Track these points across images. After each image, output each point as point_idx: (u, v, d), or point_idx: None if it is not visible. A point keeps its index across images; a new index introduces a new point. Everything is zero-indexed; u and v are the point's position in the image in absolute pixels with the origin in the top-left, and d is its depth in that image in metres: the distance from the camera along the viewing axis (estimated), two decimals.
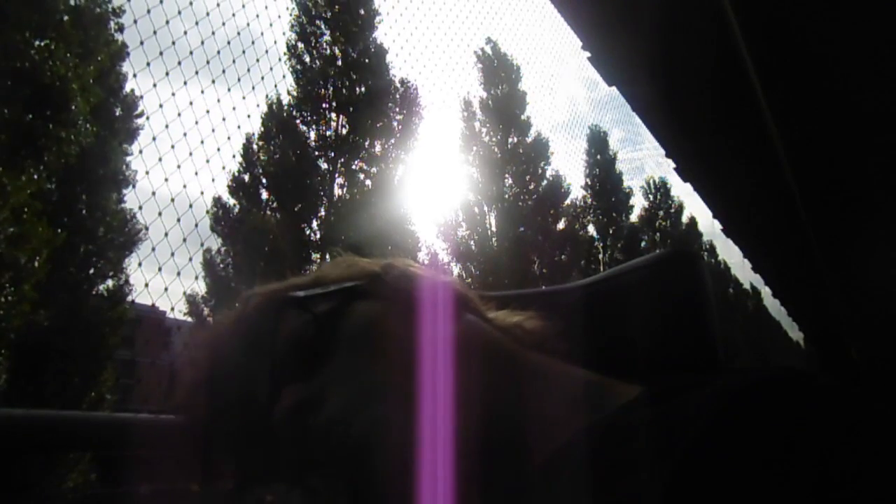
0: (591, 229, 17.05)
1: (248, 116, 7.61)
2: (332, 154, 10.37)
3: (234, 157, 9.93)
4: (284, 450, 0.45)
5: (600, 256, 16.92)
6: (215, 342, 0.51)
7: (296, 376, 0.45)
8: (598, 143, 18.08)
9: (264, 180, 10.15)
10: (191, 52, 4.72)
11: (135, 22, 4.34)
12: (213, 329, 0.52)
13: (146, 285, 4.61)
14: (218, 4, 5.04)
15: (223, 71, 5.07)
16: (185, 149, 4.89)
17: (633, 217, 18.96)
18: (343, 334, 0.46)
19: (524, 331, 0.51)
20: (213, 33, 4.88)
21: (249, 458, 0.48)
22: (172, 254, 4.48)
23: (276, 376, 0.45)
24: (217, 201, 10.03)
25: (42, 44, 7.21)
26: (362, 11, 10.89)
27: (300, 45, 10.49)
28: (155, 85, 4.74)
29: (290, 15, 10.50)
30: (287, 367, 0.45)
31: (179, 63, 4.60)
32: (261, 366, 0.46)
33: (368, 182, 10.49)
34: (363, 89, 10.55)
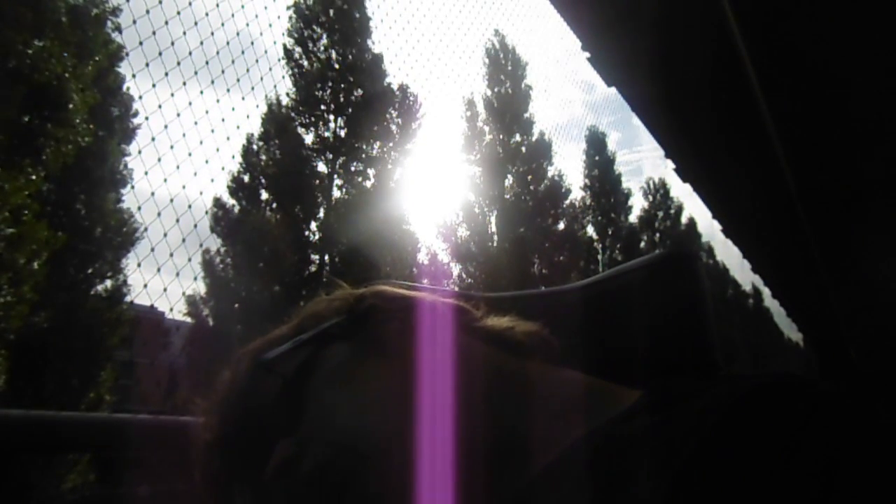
0: (591, 230, 17.07)
1: (248, 117, 7.62)
2: (331, 156, 10.37)
3: (233, 157, 9.94)
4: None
5: (599, 257, 16.93)
6: (217, 409, 0.53)
7: (282, 433, 0.47)
8: (596, 144, 18.10)
9: (264, 181, 10.15)
10: (190, 53, 4.72)
11: (133, 22, 4.34)
12: (215, 394, 0.54)
13: (145, 286, 4.60)
14: (217, 5, 5.04)
15: (222, 71, 5.07)
16: (185, 149, 4.88)
17: (633, 218, 18.99)
18: (312, 387, 0.48)
19: (516, 335, 0.50)
20: (213, 34, 4.88)
21: None
22: (171, 254, 4.47)
23: (259, 439, 0.47)
24: (217, 202, 10.04)
25: (40, 43, 7.20)
26: (358, 15, 10.90)
27: (297, 48, 10.49)
28: (154, 85, 4.73)
29: (289, 20, 10.52)
30: (273, 426, 0.47)
31: (178, 63, 4.60)
32: (248, 431, 0.49)
33: (367, 183, 10.49)
34: (361, 92, 10.55)
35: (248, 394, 0.50)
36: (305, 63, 10.50)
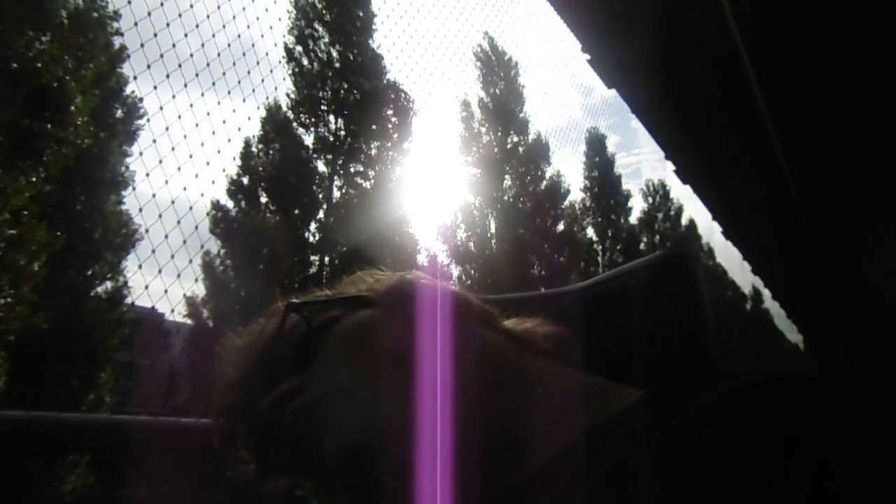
0: (590, 231, 17.07)
1: (249, 119, 7.62)
2: (330, 156, 10.37)
3: (234, 159, 9.93)
4: (272, 440, 0.50)
5: (599, 258, 16.92)
6: (243, 346, 0.57)
7: (289, 374, 0.50)
8: (596, 146, 18.10)
9: (263, 183, 10.15)
10: (191, 55, 4.72)
11: (135, 24, 4.34)
12: (243, 335, 0.58)
13: (146, 287, 4.59)
14: (218, 7, 5.05)
15: (223, 74, 5.07)
16: (186, 151, 4.88)
17: (632, 219, 18.99)
18: (331, 336, 0.51)
19: (536, 336, 0.52)
20: (214, 35, 4.88)
21: (257, 450, 0.54)
22: (172, 256, 4.47)
23: (269, 373, 0.51)
24: (216, 204, 10.04)
25: (40, 46, 7.21)
26: (360, 13, 10.91)
27: (298, 47, 10.50)
28: (155, 87, 4.73)
29: (289, 18, 10.53)
30: (285, 366, 0.51)
31: (180, 66, 4.60)
32: (262, 365, 0.53)
33: (366, 184, 10.48)
34: (361, 92, 10.55)
35: (275, 334, 0.53)
36: (306, 62, 10.50)
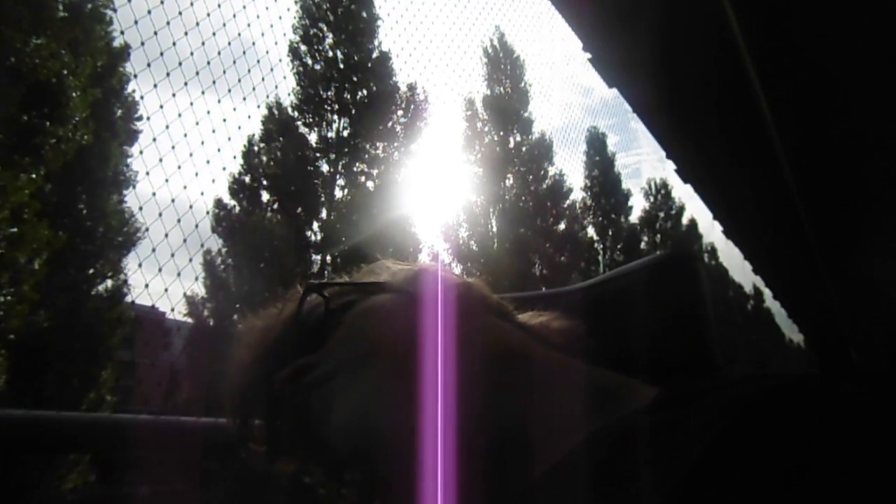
0: (591, 230, 17.06)
1: (249, 118, 7.62)
2: (334, 156, 10.36)
3: (234, 158, 9.93)
4: (284, 416, 0.51)
5: (600, 258, 16.91)
6: (261, 327, 0.58)
7: (306, 353, 0.51)
8: (596, 145, 18.10)
9: (265, 182, 10.15)
10: (191, 53, 4.72)
11: (135, 22, 4.33)
12: (261, 316, 0.60)
13: (146, 286, 4.58)
14: (219, 5, 5.04)
15: (224, 72, 5.06)
16: (186, 149, 4.87)
17: (633, 218, 18.97)
18: (348, 317, 0.52)
19: (550, 331, 0.52)
20: (214, 34, 4.87)
21: (270, 428, 0.54)
22: (172, 255, 4.46)
23: (287, 351, 0.52)
24: (218, 203, 10.03)
25: (36, 41, 7.19)
26: (365, 14, 10.90)
27: (303, 46, 10.49)
28: (156, 86, 4.73)
29: (294, 17, 10.53)
30: (302, 345, 0.52)
31: (180, 64, 4.59)
32: (280, 344, 0.54)
33: (370, 184, 10.48)
34: (365, 92, 10.55)
35: (294, 314, 0.54)
36: (310, 61, 10.49)
